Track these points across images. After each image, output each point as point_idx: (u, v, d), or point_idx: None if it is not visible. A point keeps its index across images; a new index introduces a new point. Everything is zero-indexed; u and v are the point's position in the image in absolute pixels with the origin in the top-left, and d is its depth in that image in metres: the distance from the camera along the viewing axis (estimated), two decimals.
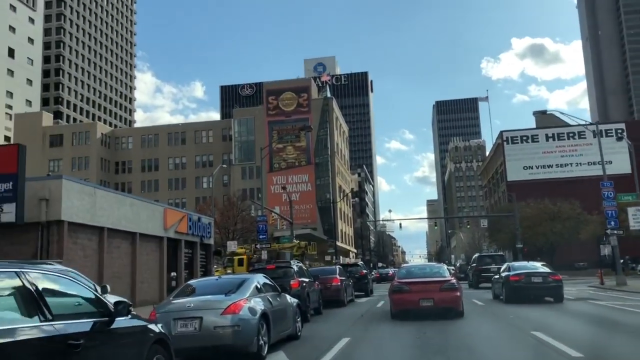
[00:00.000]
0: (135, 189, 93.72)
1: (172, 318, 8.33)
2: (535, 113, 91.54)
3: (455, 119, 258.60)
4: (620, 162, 75.44)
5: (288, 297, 11.56)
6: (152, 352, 5.59)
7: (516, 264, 22.71)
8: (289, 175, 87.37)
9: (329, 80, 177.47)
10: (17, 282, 4.28)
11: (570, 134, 77.86)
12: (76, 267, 12.66)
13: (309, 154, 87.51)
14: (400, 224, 62.47)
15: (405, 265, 26.48)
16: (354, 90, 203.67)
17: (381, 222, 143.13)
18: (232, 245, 29.30)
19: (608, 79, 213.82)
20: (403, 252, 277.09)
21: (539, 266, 20.69)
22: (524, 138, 78.98)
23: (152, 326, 5.92)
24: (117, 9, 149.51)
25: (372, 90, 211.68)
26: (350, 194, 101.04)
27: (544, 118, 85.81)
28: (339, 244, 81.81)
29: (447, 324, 12.77)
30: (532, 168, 77.12)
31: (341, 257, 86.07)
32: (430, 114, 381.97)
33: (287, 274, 15.12)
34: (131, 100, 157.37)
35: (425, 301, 13.76)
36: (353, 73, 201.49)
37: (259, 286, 9.93)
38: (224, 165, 69.14)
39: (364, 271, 29.18)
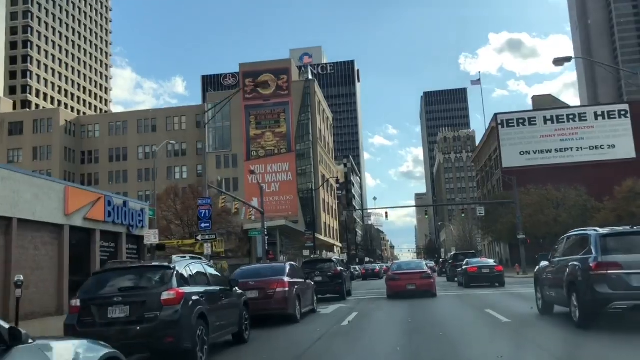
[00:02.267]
0: (103, 181, 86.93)
1: None
2: (535, 96, 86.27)
3: (444, 110, 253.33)
4: (623, 146, 69.99)
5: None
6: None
7: (473, 260, 30.09)
8: (267, 163, 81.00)
9: (312, 66, 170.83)
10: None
11: (571, 116, 72.08)
12: None
13: (289, 141, 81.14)
14: (386, 214, 57.46)
15: (396, 261, 33.58)
16: (340, 80, 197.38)
17: (368, 212, 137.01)
18: (151, 236, 22.46)
19: (598, 68, 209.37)
20: (392, 247, 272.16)
21: (489, 261, 29.28)
22: (520, 121, 73.13)
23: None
24: None
25: (359, 80, 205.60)
26: (334, 184, 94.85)
27: (541, 101, 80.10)
28: (322, 237, 75.64)
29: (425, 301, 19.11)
30: (529, 153, 71.33)
31: (324, 251, 79.91)
32: (413, 108, 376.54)
33: (160, 281, 8.25)
34: (107, 90, 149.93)
35: (410, 285, 20.67)
36: (339, 62, 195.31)
37: None
38: (172, 141, 62.08)
39: (339, 268, 23.41)
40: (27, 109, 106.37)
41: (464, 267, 27.70)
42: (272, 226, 51.55)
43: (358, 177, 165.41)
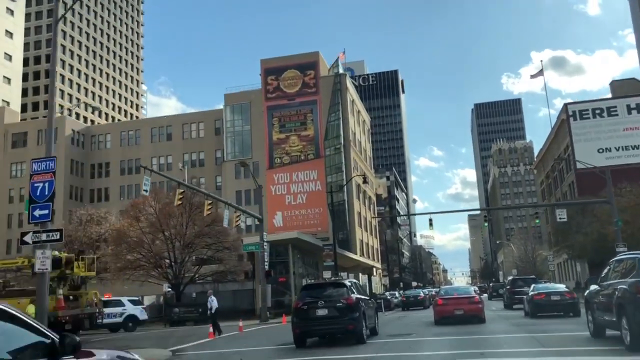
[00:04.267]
0: (113, 195, 77.99)
1: None
2: (615, 81, 72.30)
3: (496, 122, 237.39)
4: None
5: None
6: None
7: (539, 285, 26.27)
8: (293, 172, 69.93)
9: (354, 78, 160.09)
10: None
11: None
12: None
13: (317, 145, 69.94)
14: (430, 221, 45.50)
15: (444, 287, 32.30)
16: (383, 91, 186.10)
17: (416, 234, 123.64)
18: None
19: None
20: (444, 271, 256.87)
21: (559, 286, 25.37)
22: (597, 111, 59.55)
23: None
24: (122, 9, 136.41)
25: (403, 91, 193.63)
26: (372, 195, 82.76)
27: (623, 86, 66.23)
28: (356, 256, 63.56)
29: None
30: (609, 150, 57.56)
31: (360, 274, 67.75)
32: (457, 129, 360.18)
33: None
34: (138, 107, 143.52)
35: (458, 311, 20.53)
36: (382, 72, 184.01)
37: None
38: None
39: (354, 296, 15.75)
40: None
41: (530, 294, 23.97)
42: (281, 240, 40.15)
43: (404, 194, 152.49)
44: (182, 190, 29.42)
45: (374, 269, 75.49)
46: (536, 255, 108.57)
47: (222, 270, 37.42)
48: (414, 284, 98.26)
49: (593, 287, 13.37)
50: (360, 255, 68.75)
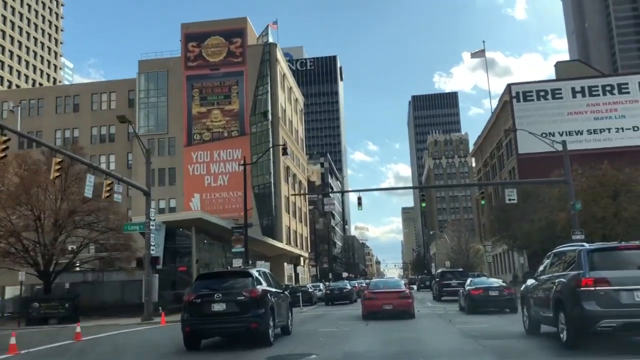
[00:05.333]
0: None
1: None
2: (560, 62, 69.54)
3: (433, 115, 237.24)
4: None
5: None
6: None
7: (477, 280, 24.96)
8: (214, 150, 62.99)
9: (291, 62, 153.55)
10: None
11: (607, 88, 55.05)
12: None
13: (242, 121, 63.24)
14: (359, 199, 40.86)
15: (374, 280, 30.16)
16: (321, 77, 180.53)
17: (349, 226, 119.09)
18: None
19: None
20: (377, 262, 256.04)
21: (496, 281, 24.21)
22: (542, 94, 55.97)
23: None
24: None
25: (341, 78, 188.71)
26: (304, 180, 76.91)
27: (568, 68, 63.24)
28: (281, 245, 57.53)
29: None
30: (553, 135, 53.81)
31: (286, 263, 61.84)
32: (391, 125, 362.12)
33: None
34: (56, 82, 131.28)
35: (386, 305, 19.32)
36: (320, 57, 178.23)
37: None
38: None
39: (260, 288, 12.87)
40: None
41: (467, 289, 22.62)
42: (181, 221, 33.44)
43: (339, 182, 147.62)
44: (60, 160, 22.33)
45: (302, 259, 69.74)
46: (469, 248, 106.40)
47: (106, 257, 30.40)
48: (345, 274, 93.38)
49: (530, 281, 12.95)
50: (287, 243, 62.78)
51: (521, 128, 54.51)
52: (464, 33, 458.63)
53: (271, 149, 60.40)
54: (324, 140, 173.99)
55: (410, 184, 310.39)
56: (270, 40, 66.32)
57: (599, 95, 55.08)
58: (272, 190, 61.00)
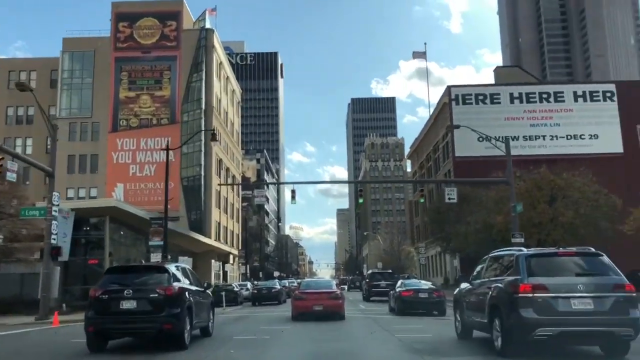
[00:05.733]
0: None
1: None
2: (500, 67, 69.88)
3: (371, 118, 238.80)
4: (609, 137, 54.14)
5: None
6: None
7: (408, 281, 25.06)
8: (141, 137, 59.20)
9: (231, 55, 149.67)
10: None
11: (544, 95, 55.52)
12: None
13: (173, 109, 59.78)
14: (292, 192, 38.61)
15: (305, 280, 28.82)
16: (262, 73, 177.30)
17: (285, 226, 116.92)
18: None
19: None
20: (310, 262, 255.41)
21: (426, 284, 24.37)
22: (480, 97, 55.79)
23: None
24: None
25: (282, 75, 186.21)
26: (238, 175, 73.94)
27: (507, 74, 63.59)
28: (209, 241, 54.58)
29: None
30: (489, 140, 53.70)
31: (213, 260, 58.86)
32: (327, 127, 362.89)
33: None
34: None
35: (317, 306, 18.75)
36: (261, 52, 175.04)
37: None
38: None
39: (177, 285, 11.93)
40: None
41: (397, 290, 22.52)
42: (93, 209, 30.16)
43: (275, 180, 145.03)
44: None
45: (232, 256, 66.85)
46: (401, 250, 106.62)
47: (2, 246, 26.75)
48: (277, 274, 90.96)
49: (464, 285, 12.67)
50: (216, 240, 59.82)
51: (464, 125, 54.15)
52: (401, 42, 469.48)
53: (202, 141, 57.42)
54: (262, 137, 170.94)
55: (346, 186, 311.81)
56: (208, 25, 63.11)
57: (535, 102, 55.44)
58: (202, 183, 57.91)
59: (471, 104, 55.73)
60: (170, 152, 58.90)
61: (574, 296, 8.91)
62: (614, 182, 39.52)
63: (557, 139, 54.34)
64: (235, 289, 34.33)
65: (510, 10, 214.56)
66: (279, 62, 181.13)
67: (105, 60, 60.26)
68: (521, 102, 55.57)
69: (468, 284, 12.14)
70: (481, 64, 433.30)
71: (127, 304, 11.10)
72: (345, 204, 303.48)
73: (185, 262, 33.32)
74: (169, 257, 28.00)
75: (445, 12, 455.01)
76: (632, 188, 43.47)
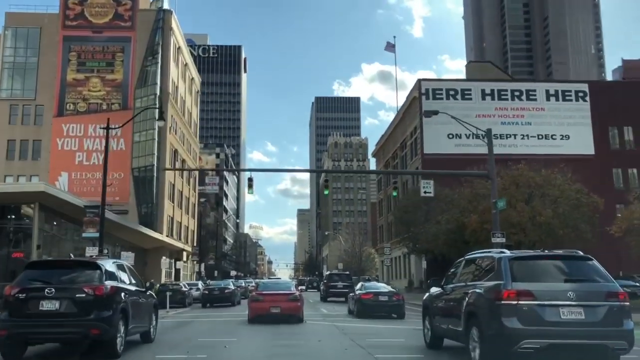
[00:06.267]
0: None
1: None
2: (472, 63, 68.19)
3: (335, 117, 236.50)
4: (580, 138, 52.77)
5: None
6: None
7: (368, 284, 24.93)
8: (90, 123, 54.84)
9: (193, 47, 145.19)
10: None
11: (516, 93, 53.77)
12: None
13: (125, 94, 55.66)
14: (249, 181, 35.73)
15: (263, 280, 28.63)
16: (224, 66, 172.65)
17: (242, 224, 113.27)
18: None
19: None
20: (269, 262, 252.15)
21: (385, 287, 23.85)
22: (451, 93, 53.69)
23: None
24: None
25: (245, 70, 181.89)
26: (192, 165, 70.01)
27: (479, 69, 61.77)
28: (160, 236, 50.78)
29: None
30: (459, 137, 51.74)
31: (165, 257, 54.94)
32: (288, 128, 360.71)
33: None
34: None
35: (274, 308, 17.71)
36: (224, 45, 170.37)
37: None
38: None
39: (109, 285, 10.38)
40: None
41: (357, 293, 22.25)
42: (17, 194, 26.19)
43: (235, 177, 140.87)
44: None
45: (185, 253, 62.95)
46: (362, 251, 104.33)
47: None
48: (234, 273, 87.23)
49: (435, 289, 11.49)
50: (168, 235, 55.95)
51: (442, 112, 51.81)
52: (363, 45, 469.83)
53: (156, 129, 53.50)
54: (223, 132, 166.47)
55: (308, 187, 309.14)
56: (166, 6, 59.15)
57: (507, 99, 53.69)
58: (154, 174, 53.96)
59: (442, 99, 53.59)
60: (121, 140, 55.01)
61: (564, 304, 8.04)
62: (587, 183, 37.65)
63: (528, 138, 52.64)
64: (184, 288, 30.84)
65: (475, 14, 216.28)
66: (243, 56, 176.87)
67: (52, 38, 55.70)
68: (493, 98, 53.74)
69: (439, 289, 11.07)
70: (442, 69, 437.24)
71: (48, 305, 9.69)
72: (305, 204, 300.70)
73: (128, 258, 29.70)
74: (107, 251, 24.41)
75: (408, 16, 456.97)
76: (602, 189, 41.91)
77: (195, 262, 65.15)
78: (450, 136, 52.53)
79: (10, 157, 53.84)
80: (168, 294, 26.21)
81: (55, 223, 29.48)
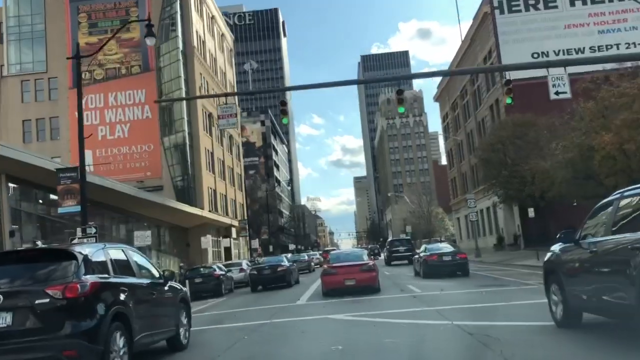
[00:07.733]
0: None
1: None
2: None
3: (385, 75, 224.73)
4: None
5: None
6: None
7: (431, 246, 25.48)
8: (109, 92, 48.18)
9: (227, 15, 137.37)
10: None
11: None
12: None
13: (145, 54, 48.46)
14: (283, 106, 29.49)
15: (334, 252, 25.99)
16: (262, 33, 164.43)
17: (290, 176, 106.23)
18: None
19: None
20: (331, 233, 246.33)
21: (449, 247, 24.75)
22: (531, 2, 43.60)
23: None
24: None
25: (284, 34, 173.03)
26: (237, 137, 62.65)
27: None
28: (201, 212, 43.72)
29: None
30: (546, 55, 41.71)
31: (210, 236, 48.07)
32: (334, 97, 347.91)
33: None
34: None
35: (349, 281, 17.01)
36: (260, 10, 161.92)
37: None
38: None
39: (88, 281, 6.58)
40: None
41: (422, 255, 22.95)
42: None
43: (284, 146, 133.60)
44: None
45: (233, 230, 55.95)
46: (431, 211, 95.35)
47: None
48: (292, 247, 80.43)
49: (562, 246, 7.90)
50: (211, 210, 48.94)
51: (505, 45, 42.50)
52: (398, 3, 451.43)
53: (183, 89, 46.11)
54: (268, 102, 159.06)
55: (360, 155, 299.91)
56: None
57: (604, 2, 43.10)
58: (186, 141, 46.76)
59: (520, 11, 43.63)
60: (146, 107, 47.79)
61: None
62: None
63: (635, 46, 42.09)
64: (217, 272, 23.26)
65: None
66: (280, 19, 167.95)
67: (58, 0, 48.90)
68: (584, 3, 43.32)
69: (573, 244, 7.45)
70: None
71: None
72: (359, 172, 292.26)
73: (141, 239, 22.35)
74: (96, 229, 16.96)
75: None
76: None
77: (245, 237, 58.20)
78: (536, 55, 42.56)
79: (28, 140, 47.89)
80: (187, 282, 18.67)
81: (40, 200, 22.39)
